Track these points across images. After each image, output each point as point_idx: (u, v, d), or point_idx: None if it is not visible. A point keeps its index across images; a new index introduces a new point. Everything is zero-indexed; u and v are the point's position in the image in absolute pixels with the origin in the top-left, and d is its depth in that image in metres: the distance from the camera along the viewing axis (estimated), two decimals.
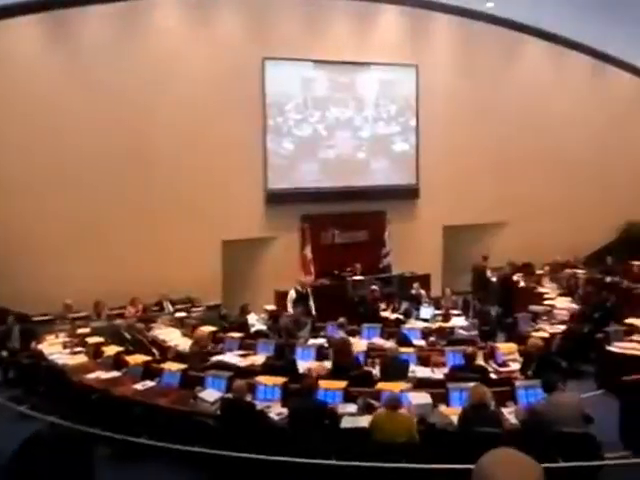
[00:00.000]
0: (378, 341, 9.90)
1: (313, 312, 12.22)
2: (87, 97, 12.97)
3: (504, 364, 8.37)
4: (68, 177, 12.81)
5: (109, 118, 13.08)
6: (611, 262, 15.56)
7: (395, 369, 7.77)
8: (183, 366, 8.12)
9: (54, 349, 9.89)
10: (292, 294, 12.48)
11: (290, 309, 12.05)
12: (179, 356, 9.19)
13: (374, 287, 13.07)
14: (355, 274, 14.74)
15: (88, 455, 4.73)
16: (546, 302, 12.39)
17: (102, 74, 12.96)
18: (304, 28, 15.00)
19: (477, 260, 15.86)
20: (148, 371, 8.23)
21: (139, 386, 7.78)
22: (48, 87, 12.63)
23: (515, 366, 8.23)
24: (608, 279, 14.04)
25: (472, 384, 6.40)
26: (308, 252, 14.87)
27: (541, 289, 13.90)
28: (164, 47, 13.64)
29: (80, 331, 10.55)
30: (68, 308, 11.83)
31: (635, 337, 9.52)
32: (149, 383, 7.87)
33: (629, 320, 10.23)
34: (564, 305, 12.07)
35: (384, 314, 12.26)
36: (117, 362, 8.67)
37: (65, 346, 9.92)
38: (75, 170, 12.87)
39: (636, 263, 15.07)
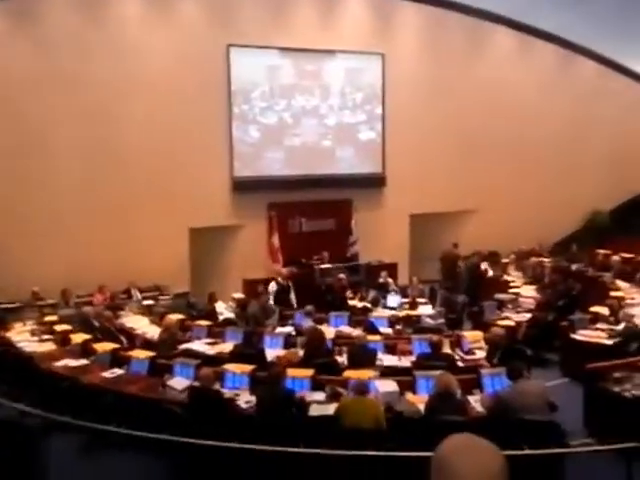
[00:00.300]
0: (345, 329, 9.91)
1: (294, 305, 12.10)
2: (52, 85, 12.76)
3: (470, 352, 8.42)
4: (34, 165, 12.63)
5: (74, 106, 12.91)
6: (576, 250, 15.74)
7: (363, 357, 7.78)
8: (151, 354, 8.10)
9: (22, 337, 9.78)
10: (272, 286, 12.34)
11: (271, 301, 11.93)
12: (147, 344, 9.15)
13: (342, 275, 13.08)
14: (323, 262, 14.74)
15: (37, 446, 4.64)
16: (512, 290, 12.48)
17: (67, 62, 12.79)
18: (270, 15, 14.85)
19: (446, 248, 15.83)
20: (116, 359, 8.17)
21: (107, 374, 7.72)
22: (12, 75, 12.41)
23: (481, 354, 8.25)
24: (574, 267, 14.18)
25: (439, 372, 6.42)
26: (276, 240, 14.85)
27: (507, 277, 14.02)
28: (128, 35, 13.46)
29: (48, 319, 10.48)
30: (36, 296, 11.75)
31: (599, 325, 9.63)
32: (117, 371, 7.82)
33: (594, 308, 10.34)
34: (530, 293, 12.18)
35: (351, 302, 12.27)
36: (85, 350, 8.61)
37: (33, 334, 9.82)
38: (41, 157, 12.70)
39: (601, 251, 15.26)
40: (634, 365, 7.13)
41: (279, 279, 12.49)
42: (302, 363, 7.81)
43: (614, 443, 5.09)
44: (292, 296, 12.40)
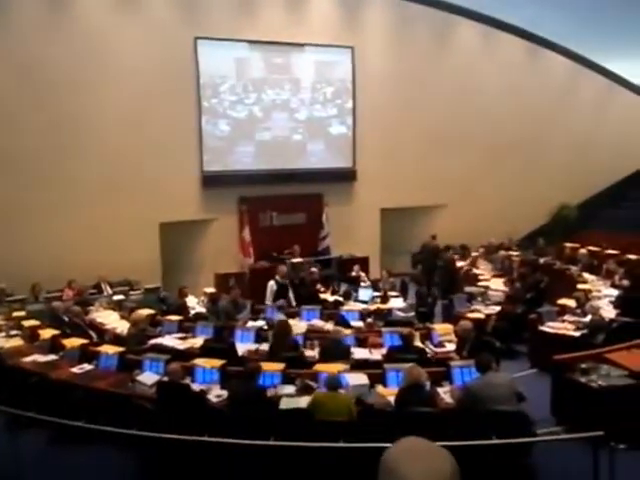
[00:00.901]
0: (318, 323, 9.93)
1: (293, 303, 11.99)
2: (18, 76, 12.58)
3: (440, 345, 8.49)
4: (4, 160, 12.40)
5: (40, 97, 12.74)
6: (543, 244, 15.90)
7: (336, 351, 7.75)
8: (121, 349, 8.04)
9: None
10: (272, 285, 12.11)
11: (268, 301, 11.75)
12: (117, 339, 9.07)
13: (314, 269, 13.08)
14: (294, 256, 14.70)
15: None
16: (481, 283, 12.59)
17: (33, 53, 12.57)
18: (237, 7, 14.74)
19: (425, 239, 15.86)
20: (85, 354, 8.09)
21: (76, 369, 7.65)
22: None
23: (451, 347, 8.33)
24: (542, 260, 14.35)
25: (408, 365, 6.46)
26: (247, 234, 14.85)
27: (476, 270, 14.13)
28: (94, 27, 13.23)
29: (16, 314, 10.31)
30: (2, 291, 11.56)
31: (567, 317, 9.77)
32: (87, 366, 7.75)
33: (561, 301, 10.49)
34: (499, 286, 12.30)
35: (323, 296, 12.27)
36: (54, 345, 8.51)
37: (0, 330, 9.68)
38: (7, 150, 12.45)
39: (569, 245, 15.46)
40: (600, 356, 7.24)
41: (277, 278, 12.18)
42: (267, 357, 7.85)
43: (581, 432, 5.18)
44: (291, 294, 12.26)
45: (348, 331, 8.82)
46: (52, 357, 8.19)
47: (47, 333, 8.91)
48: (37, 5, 12.76)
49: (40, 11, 12.76)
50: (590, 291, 11.18)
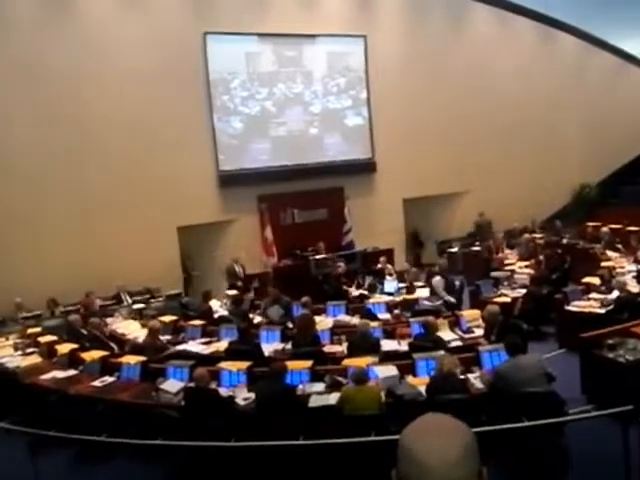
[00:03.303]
0: (344, 318, 9.96)
1: None
2: (19, 76, 12.28)
3: (469, 330, 8.51)
4: (11, 168, 12.22)
5: (43, 99, 12.44)
6: (560, 226, 15.88)
7: (365, 345, 7.74)
8: (142, 358, 7.88)
9: (4, 352, 9.45)
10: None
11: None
12: (137, 348, 8.87)
13: (340, 264, 13.09)
14: (318, 253, 14.67)
15: None
16: (507, 268, 12.55)
17: (35, 52, 12.27)
18: (246, 0, 14.57)
19: (476, 219, 16.29)
20: (106, 367, 7.98)
21: (97, 383, 7.54)
22: None
23: (479, 332, 8.34)
24: (565, 241, 14.30)
25: (440, 353, 6.50)
26: (269, 233, 14.75)
27: (501, 255, 14.09)
28: (97, 24, 12.98)
29: (31, 331, 10.15)
30: (19, 307, 11.50)
31: (592, 295, 9.76)
32: (108, 379, 7.65)
33: (586, 279, 10.44)
34: (524, 270, 12.27)
35: (347, 289, 12.31)
36: (73, 360, 8.38)
37: (16, 348, 9.50)
38: (10, 158, 12.22)
39: (591, 224, 15.38)
40: (627, 331, 7.24)
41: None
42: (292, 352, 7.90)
43: (610, 408, 5.18)
44: None
45: (375, 323, 8.83)
46: (72, 372, 8.04)
47: (65, 348, 8.74)
48: (40, 5, 12.52)
49: (41, 8, 12.49)
50: (614, 268, 11.16)
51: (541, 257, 12.46)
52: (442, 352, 6.85)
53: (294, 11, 15.27)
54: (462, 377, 6.39)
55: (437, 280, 10.88)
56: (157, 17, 13.65)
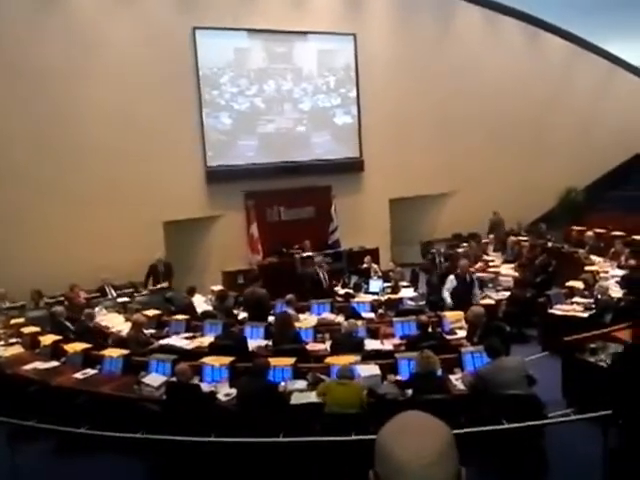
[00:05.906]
0: (329, 316, 9.96)
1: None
2: (12, 76, 12.23)
3: (451, 332, 8.53)
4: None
5: (32, 96, 12.37)
6: (544, 229, 15.97)
7: (348, 344, 7.74)
8: (125, 352, 7.86)
9: None
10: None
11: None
12: (120, 342, 8.85)
13: (324, 261, 13.09)
14: (304, 251, 14.64)
15: None
16: (491, 270, 12.60)
17: (23, 50, 12.22)
18: None
19: (491, 217, 16.40)
20: (89, 359, 7.94)
21: (79, 375, 7.52)
22: None
23: (462, 333, 8.36)
24: (549, 244, 14.37)
25: (418, 352, 6.50)
26: (254, 230, 14.71)
27: (486, 257, 14.15)
28: (85, 19, 12.90)
29: (14, 321, 10.08)
30: (2, 297, 11.36)
31: (575, 299, 9.80)
32: (90, 371, 7.63)
33: (570, 283, 10.48)
34: (509, 272, 12.32)
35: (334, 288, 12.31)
36: (55, 351, 8.36)
37: None
38: (2, 155, 12.16)
39: (576, 228, 15.46)
40: (608, 335, 7.28)
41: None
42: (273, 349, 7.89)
43: (590, 412, 5.21)
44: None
45: (359, 322, 8.83)
46: (54, 364, 8.01)
47: (48, 339, 8.69)
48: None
49: (29, 4, 12.37)
50: (598, 272, 11.22)
51: (524, 260, 12.53)
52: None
53: (285, 7, 15.22)
54: (442, 377, 6.39)
55: (451, 279, 10.75)
56: (146, 11, 13.57)
